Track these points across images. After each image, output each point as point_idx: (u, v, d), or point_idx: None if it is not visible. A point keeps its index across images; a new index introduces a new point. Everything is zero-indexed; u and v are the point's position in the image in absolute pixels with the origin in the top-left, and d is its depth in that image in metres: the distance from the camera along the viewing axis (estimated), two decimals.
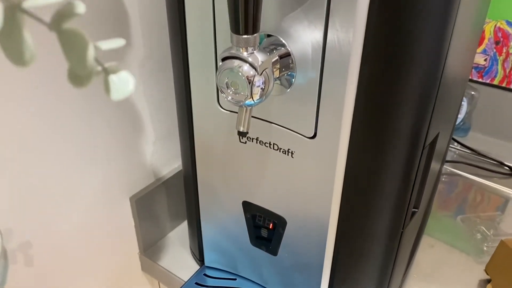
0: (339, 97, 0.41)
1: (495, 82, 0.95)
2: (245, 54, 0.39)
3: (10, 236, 0.53)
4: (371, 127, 0.43)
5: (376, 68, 0.40)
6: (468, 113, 0.97)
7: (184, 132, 0.58)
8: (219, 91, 0.45)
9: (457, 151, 0.98)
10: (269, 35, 0.43)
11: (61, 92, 0.52)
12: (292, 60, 0.43)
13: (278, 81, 0.45)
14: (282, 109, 0.47)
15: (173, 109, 0.60)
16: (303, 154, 0.48)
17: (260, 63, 0.39)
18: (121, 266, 0.72)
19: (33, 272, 0.57)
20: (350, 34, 0.38)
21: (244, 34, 0.38)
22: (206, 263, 0.68)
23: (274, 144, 0.50)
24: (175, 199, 0.74)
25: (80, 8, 0.20)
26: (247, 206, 0.57)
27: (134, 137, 0.65)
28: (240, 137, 0.52)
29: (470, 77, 0.97)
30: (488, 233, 0.76)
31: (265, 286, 0.64)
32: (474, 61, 0.95)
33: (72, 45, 0.20)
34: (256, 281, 0.65)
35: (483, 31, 0.92)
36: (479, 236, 0.76)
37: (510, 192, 0.87)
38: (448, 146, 0.67)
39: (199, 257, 0.69)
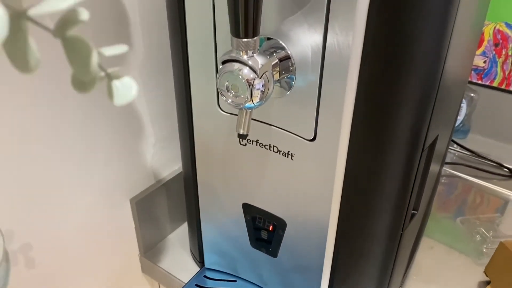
0: (338, 100, 0.42)
1: (495, 84, 0.95)
2: (245, 57, 0.39)
3: (12, 238, 0.53)
4: (371, 128, 0.43)
5: (376, 68, 0.40)
6: (468, 115, 0.97)
7: (184, 134, 0.58)
8: (219, 93, 0.46)
9: (457, 153, 0.98)
10: (269, 38, 0.43)
11: (63, 97, 0.52)
12: (292, 63, 0.43)
13: (278, 84, 0.45)
14: (282, 111, 0.47)
15: (173, 111, 0.60)
16: (303, 157, 0.48)
17: (260, 66, 0.40)
18: (121, 268, 0.72)
19: (34, 274, 0.58)
20: (350, 37, 0.38)
21: (244, 38, 0.38)
22: (206, 265, 0.69)
23: (274, 146, 0.50)
24: (175, 201, 0.74)
25: (84, 15, 0.20)
26: (247, 208, 0.58)
27: (134, 139, 0.65)
28: (240, 139, 0.52)
29: (469, 79, 0.97)
30: (488, 235, 0.76)
31: (265, 287, 0.64)
32: (474, 63, 0.95)
33: (76, 52, 0.20)
34: (256, 283, 0.65)
35: (483, 33, 0.93)
36: (478, 237, 0.76)
37: (509, 194, 0.87)
38: (447, 147, 0.67)
39: (199, 259, 0.69)
